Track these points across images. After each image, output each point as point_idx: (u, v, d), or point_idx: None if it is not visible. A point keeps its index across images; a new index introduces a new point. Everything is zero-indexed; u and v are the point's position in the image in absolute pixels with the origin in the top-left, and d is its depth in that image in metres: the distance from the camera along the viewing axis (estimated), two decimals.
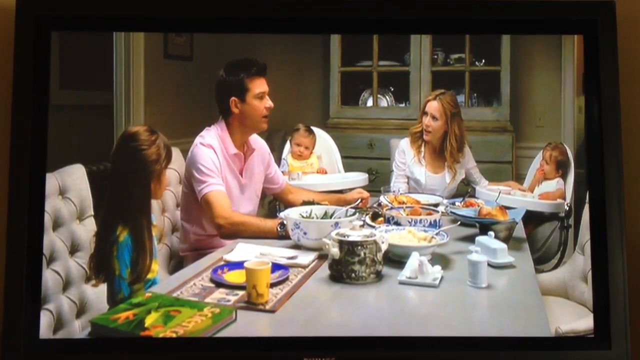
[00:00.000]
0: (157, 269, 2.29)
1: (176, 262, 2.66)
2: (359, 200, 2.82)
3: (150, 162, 2.27)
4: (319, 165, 3.03)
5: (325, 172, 3.03)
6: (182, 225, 2.68)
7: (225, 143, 2.68)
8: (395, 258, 2.31)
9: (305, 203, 2.72)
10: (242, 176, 2.72)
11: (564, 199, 2.71)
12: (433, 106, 2.86)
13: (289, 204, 2.83)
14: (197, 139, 2.64)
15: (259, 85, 2.68)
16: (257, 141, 2.81)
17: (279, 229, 2.57)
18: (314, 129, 3.01)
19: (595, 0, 2.22)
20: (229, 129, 2.70)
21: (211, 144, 2.65)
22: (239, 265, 2.20)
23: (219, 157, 2.64)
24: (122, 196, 2.27)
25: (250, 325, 1.97)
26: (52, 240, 2.23)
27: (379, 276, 2.21)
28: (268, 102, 2.69)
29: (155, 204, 2.47)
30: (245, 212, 2.71)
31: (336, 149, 3.04)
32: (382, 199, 2.81)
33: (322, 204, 2.71)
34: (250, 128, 2.72)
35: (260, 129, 2.74)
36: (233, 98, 2.67)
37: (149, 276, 2.25)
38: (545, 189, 2.76)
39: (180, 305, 2.02)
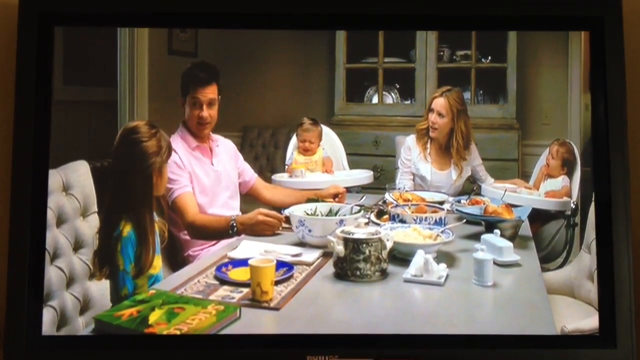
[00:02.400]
0: (160, 264, 2.29)
1: (178, 261, 2.65)
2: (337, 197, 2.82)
3: (150, 154, 2.28)
4: (324, 155, 3.01)
5: (331, 163, 3.02)
6: (175, 235, 2.67)
7: (187, 140, 2.68)
8: (401, 256, 2.30)
9: (310, 200, 2.71)
10: (213, 164, 2.72)
11: (570, 196, 2.69)
12: (439, 103, 2.85)
13: (266, 202, 2.84)
14: None
15: (197, 92, 2.66)
16: (221, 139, 2.81)
17: (230, 232, 2.58)
18: None
19: None
20: (186, 128, 2.70)
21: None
22: (243, 262, 2.20)
23: (181, 156, 2.63)
24: (125, 190, 2.27)
25: (254, 323, 1.97)
26: (56, 236, 2.22)
27: (384, 274, 2.20)
28: (203, 112, 2.67)
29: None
30: (226, 201, 2.72)
31: (341, 146, 3.03)
32: (387, 196, 2.80)
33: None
34: (194, 132, 2.70)
35: (202, 135, 2.71)
36: (181, 97, 2.68)
37: (152, 272, 2.24)
38: (550, 187, 2.75)
39: (185, 302, 2.02)
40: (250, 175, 2.87)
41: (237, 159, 2.85)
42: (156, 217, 2.33)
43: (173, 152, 2.57)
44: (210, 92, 2.67)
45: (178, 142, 2.66)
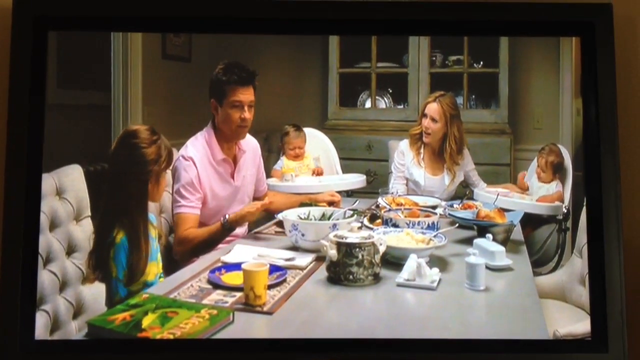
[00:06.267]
0: (154, 271, 2.28)
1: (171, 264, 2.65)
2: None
3: (149, 161, 2.27)
4: (315, 165, 3.02)
5: (322, 172, 3.02)
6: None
7: (213, 149, 2.65)
8: (393, 260, 2.30)
9: (303, 204, 2.71)
10: (234, 179, 2.70)
11: (562, 201, 2.70)
12: (432, 108, 2.85)
13: (266, 210, 2.83)
14: (181, 150, 2.62)
15: (237, 94, 2.62)
16: (249, 142, 2.77)
17: (222, 221, 2.56)
18: (307, 129, 2.99)
19: (592, 3, 2.22)
20: (216, 132, 2.66)
21: (192, 156, 2.61)
22: (236, 266, 2.20)
23: (198, 170, 2.60)
24: (120, 195, 2.27)
25: (247, 327, 1.97)
26: (49, 240, 2.22)
27: (376, 278, 2.21)
28: (244, 114, 2.63)
29: (153, 205, 2.46)
30: None
31: (334, 151, 3.03)
32: (380, 200, 2.80)
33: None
34: (228, 135, 2.67)
35: (238, 137, 2.69)
36: (212, 100, 2.65)
37: (146, 279, 2.24)
38: (543, 192, 2.75)
39: (178, 306, 2.02)
40: (263, 187, 2.85)
41: (259, 167, 2.83)
42: (154, 220, 2.33)
43: (193, 167, 2.57)
44: (251, 93, 2.64)
45: (201, 150, 2.63)
